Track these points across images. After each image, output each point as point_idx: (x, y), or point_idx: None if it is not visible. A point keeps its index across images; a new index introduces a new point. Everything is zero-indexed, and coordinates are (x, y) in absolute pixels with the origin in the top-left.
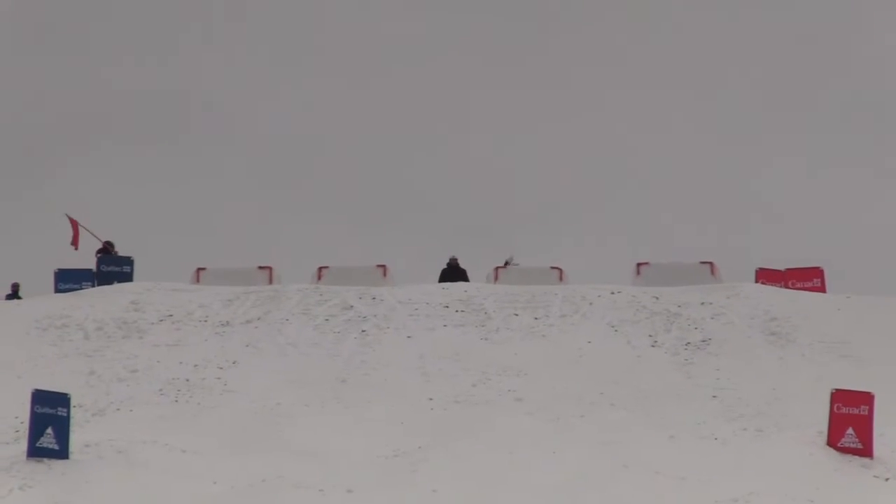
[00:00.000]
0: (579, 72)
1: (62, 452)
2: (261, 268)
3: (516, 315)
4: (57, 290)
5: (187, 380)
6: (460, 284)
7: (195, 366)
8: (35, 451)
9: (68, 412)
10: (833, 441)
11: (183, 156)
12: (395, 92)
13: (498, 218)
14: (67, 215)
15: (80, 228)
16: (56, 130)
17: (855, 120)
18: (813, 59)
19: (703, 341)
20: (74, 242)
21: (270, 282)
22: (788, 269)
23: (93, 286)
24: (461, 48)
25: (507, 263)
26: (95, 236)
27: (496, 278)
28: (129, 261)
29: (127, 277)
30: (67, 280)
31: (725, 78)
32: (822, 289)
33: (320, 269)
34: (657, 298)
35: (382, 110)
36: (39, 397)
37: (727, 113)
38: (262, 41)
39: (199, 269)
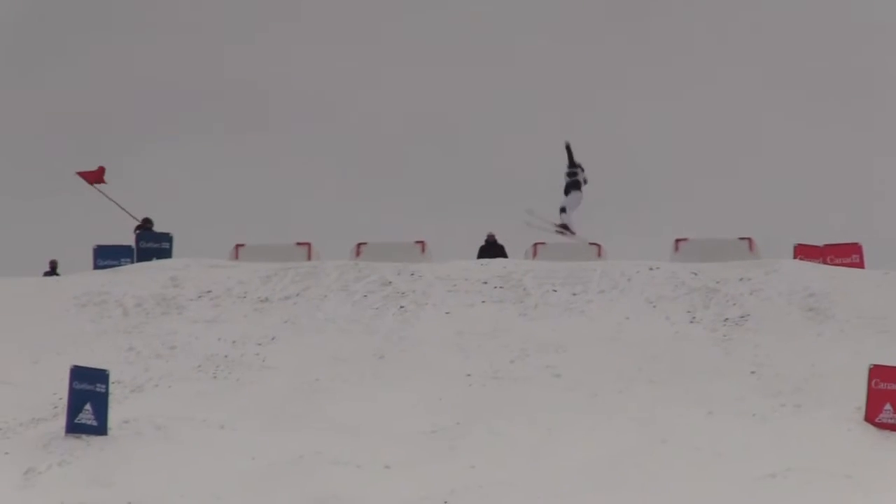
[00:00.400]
0: (623, 51)
1: (101, 429)
2: (299, 244)
3: (555, 291)
4: (96, 267)
5: (226, 356)
6: (499, 260)
7: (234, 342)
8: (73, 428)
9: (107, 388)
10: (871, 417)
11: (227, 134)
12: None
13: (537, 193)
14: (79, 173)
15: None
16: (114, 117)
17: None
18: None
19: (742, 317)
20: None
21: (309, 258)
22: (827, 245)
23: (132, 262)
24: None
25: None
26: (131, 215)
27: (535, 254)
28: (168, 237)
29: (166, 254)
30: (106, 256)
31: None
32: (860, 265)
33: (359, 245)
34: (695, 274)
35: (432, 92)
36: (78, 373)
37: (767, 89)
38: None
39: (237, 246)
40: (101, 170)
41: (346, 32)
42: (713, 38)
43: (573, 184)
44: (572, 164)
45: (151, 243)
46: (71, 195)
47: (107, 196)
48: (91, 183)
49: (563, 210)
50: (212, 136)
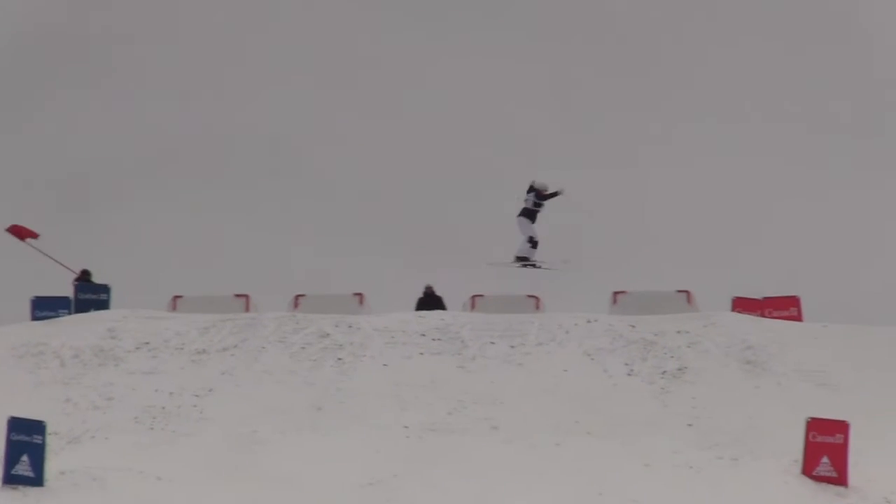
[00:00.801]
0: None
1: (37, 480)
2: (237, 296)
3: (493, 343)
4: (34, 318)
5: (163, 407)
6: (437, 312)
7: (171, 393)
8: (10, 479)
9: (44, 440)
10: (808, 470)
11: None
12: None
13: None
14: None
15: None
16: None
17: (834, 142)
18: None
19: (680, 370)
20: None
21: (247, 310)
22: (765, 298)
23: (69, 314)
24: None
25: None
26: (67, 268)
27: (473, 306)
28: (105, 288)
29: (104, 305)
30: (44, 308)
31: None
32: (798, 318)
33: (297, 297)
34: (633, 327)
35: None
36: (15, 425)
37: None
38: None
39: (175, 297)
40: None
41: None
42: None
43: (533, 213)
44: (544, 197)
45: (89, 294)
46: (6, 246)
47: (40, 251)
48: (22, 239)
49: (531, 241)
50: (150, 182)
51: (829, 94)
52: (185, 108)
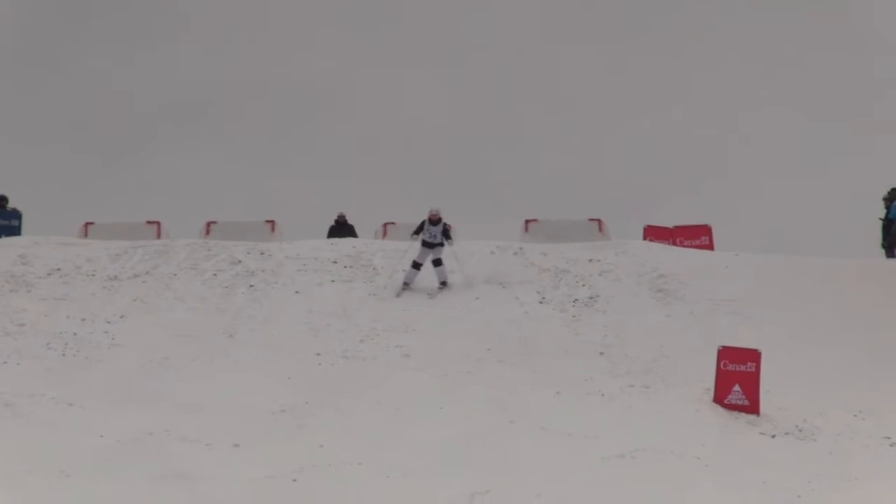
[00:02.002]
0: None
1: None
2: (149, 222)
3: (404, 270)
4: None
5: (75, 334)
6: (348, 240)
7: (83, 320)
8: None
9: None
10: (720, 398)
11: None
12: None
13: (387, 172)
14: None
15: None
16: None
17: (750, 70)
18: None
19: (591, 298)
20: None
21: (158, 236)
22: (676, 227)
23: None
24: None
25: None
26: None
27: (385, 234)
28: (17, 215)
29: (15, 231)
30: None
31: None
32: (710, 246)
33: (208, 223)
34: (545, 255)
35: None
36: None
37: (619, 63)
38: None
39: (86, 224)
40: None
41: None
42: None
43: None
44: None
45: (1, 221)
46: None
47: None
48: None
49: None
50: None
51: None
52: (226, 57)
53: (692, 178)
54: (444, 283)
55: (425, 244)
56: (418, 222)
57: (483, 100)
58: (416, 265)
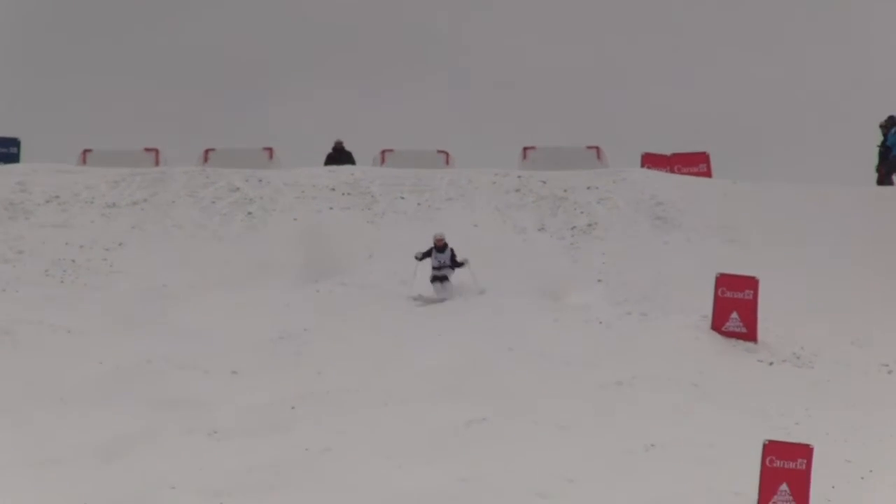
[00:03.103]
0: None
1: None
2: (147, 150)
3: (402, 198)
4: None
5: (73, 261)
6: (346, 167)
7: (81, 247)
8: None
9: None
10: (717, 325)
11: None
12: None
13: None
14: None
15: None
16: None
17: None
18: None
19: (589, 225)
20: None
21: (157, 164)
22: (674, 154)
23: None
24: None
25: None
26: None
27: (383, 161)
28: (15, 142)
29: (13, 158)
30: None
31: None
32: (707, 174)
33: (206, 151)
34: (544, 183)
35: None
36: None
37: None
38: None
39: (85, 151)
40: None
41: None
42: None
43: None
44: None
45: None
46: None
47: None
48: None
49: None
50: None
51: None
52: None
53: (690, 102)
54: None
55: (435, 279)
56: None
57: (481, 25)
58: (434, 278)
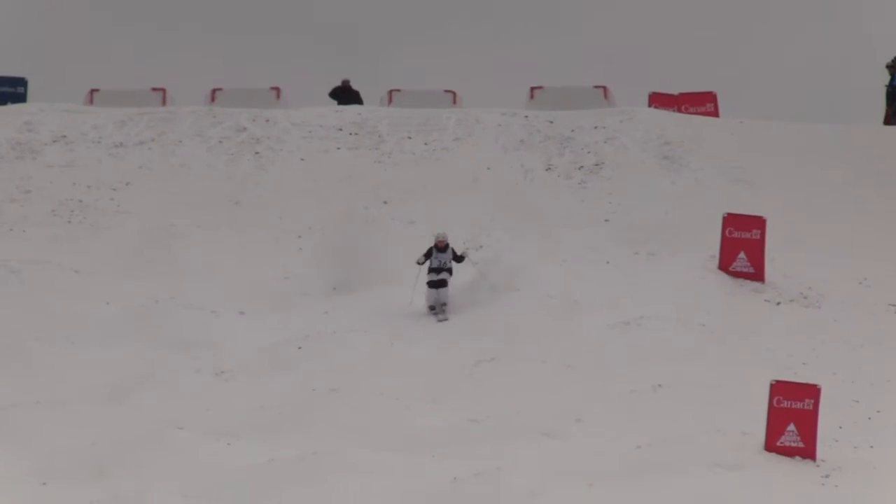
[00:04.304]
0: None
1: None
2: (154, 89)
3: (410, 138)
4: None
5: (80, 201)
6: (353, 107)
7: (88, 187)
8: None
9: None
10: (725, 265)
11: None
12: None
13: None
14: None
15: None
16: None
17: None
18: None
19: (597, 165)
20: None
21: (164, 103)
22: (681, 94)
23: None
24: None
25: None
26: None
27: (390, 101)
28: (23, 81)
29: (20, 98)
30: None
31: None
32: (715, 113)
33: (214, 90)
34: (551, 122)
35: None
36: None
37: None
38: None
39: (92, 91)
40: None
41: None
42: None
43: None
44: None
45: (6, 87)
46: None
47: None
48: None
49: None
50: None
51: None
52: None
53: (697, 43)
54: (444, 304)
55: (431, 284)
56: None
57: None
58: (432, 283)
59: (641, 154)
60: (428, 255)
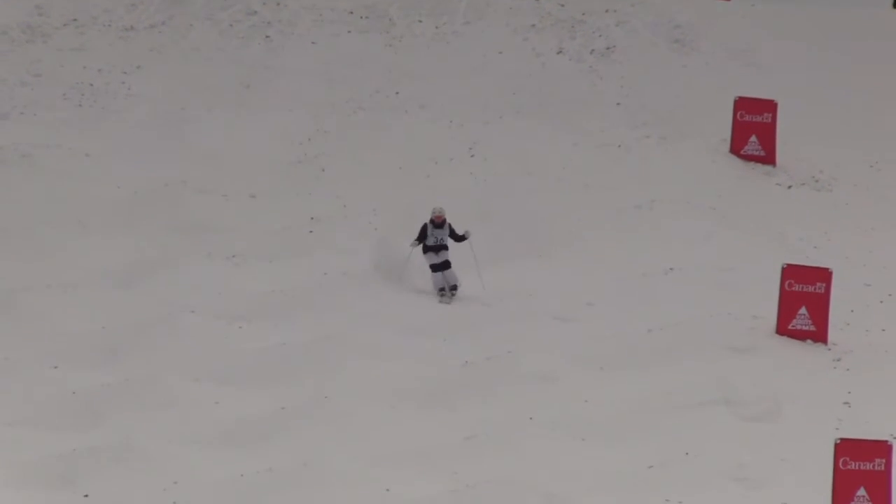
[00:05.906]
0: None
1: None
2: None
3: (420, 21)
4: None
5: (91, 84)
6: None
7: (99, 70)
8: None
9: None
10: (736, 148)
11: None
12: None
13: None
14: None
15: None
16: None
17: None
18: None
19: (608, 49)
20: None
21: None
22: None
23: None
24: None
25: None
26: None
27: None
28: None
29: None
30: None
31: None
32: None
33: None
34: (562, 5)
35: None
36: None
37: None
38: None
39: None
40: None
41: None
42: None
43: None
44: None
45: None
46: None
47: None
48: None
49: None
50: None
51: None
52: None
53: None
54: (454, 287)
55: (435, 267)
56: None
57: None
58: (435, 266)
59: (653, 37)
60: (422, 233)
